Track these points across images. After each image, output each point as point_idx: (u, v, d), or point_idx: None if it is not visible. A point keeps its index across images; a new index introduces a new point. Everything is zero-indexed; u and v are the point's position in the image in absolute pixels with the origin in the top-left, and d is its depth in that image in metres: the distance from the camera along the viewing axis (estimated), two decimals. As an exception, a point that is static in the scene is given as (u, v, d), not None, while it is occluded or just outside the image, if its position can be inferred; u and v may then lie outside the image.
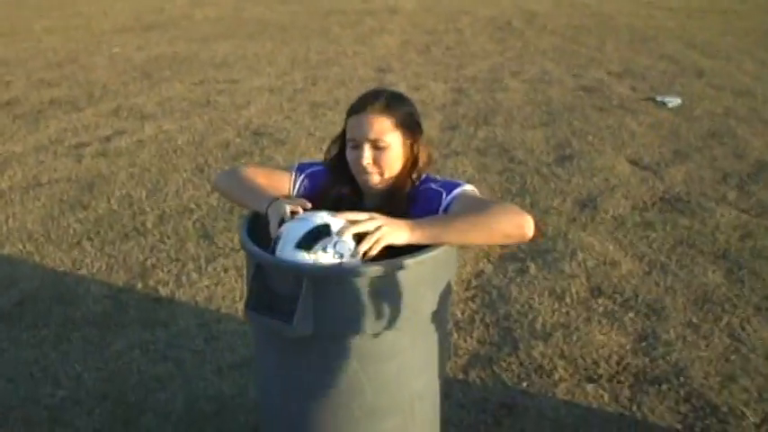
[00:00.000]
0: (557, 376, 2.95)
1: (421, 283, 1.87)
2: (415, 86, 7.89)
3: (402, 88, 7.73)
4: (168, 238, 4.22)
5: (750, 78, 8.48)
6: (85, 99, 7.37)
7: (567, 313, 3.43)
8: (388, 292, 1.81)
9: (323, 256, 1.75)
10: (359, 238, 1.76)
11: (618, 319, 3.38)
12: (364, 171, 2.01)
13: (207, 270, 3.83)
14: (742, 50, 10.22)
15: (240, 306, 3.47)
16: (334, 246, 1.76)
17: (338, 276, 1.78)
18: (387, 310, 1.83)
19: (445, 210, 1.97)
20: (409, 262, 1.79)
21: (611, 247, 4.10)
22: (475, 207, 1.91)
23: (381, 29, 11.82)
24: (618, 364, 3.05)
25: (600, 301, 3.54)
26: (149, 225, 4.39)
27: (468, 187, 2.03)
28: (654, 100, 7.37)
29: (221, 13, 13.35)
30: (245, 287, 1.97)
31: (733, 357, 3.11)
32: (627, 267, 3.87)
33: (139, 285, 3.68)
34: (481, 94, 7.56)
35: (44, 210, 4.66)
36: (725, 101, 7.40)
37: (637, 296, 3.59)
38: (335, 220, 1.79)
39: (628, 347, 3.17)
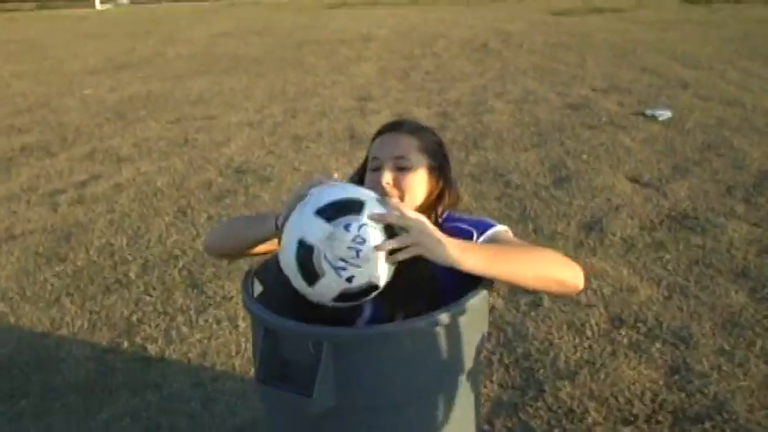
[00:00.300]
0: (590, 420, 2.70)
1: (459, 339, 1.63)
2: (399, 113, 7.68)
3: (385, 116, 7.52)
4: (154, 288, 3.94)
5: (736, 88, 8.34)
6: (58, 143, 7.09)
7: (590, 348, 3.18)
8: (422, 354, 1.56)
9: (341, 235, 1.48)
10: (391, 233, 1.52)
11: (645, 351, 3.14)
12: (383, 193, 1.77)
13: (198, 323, 3.55)
14: (723, 60, 10.11)
15: (237, 361, 3.20)
16: (359, 228, 1.49)
17: (365, 340, 1.53)
18: (420, 375, 1.58)
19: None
20: (449, 315, 1.54)
21: (625, 272, 3.87)
22: (511, 251, 1.68)
23: (357, 57, 11.63)
24: (653, 401, 2.81)
25: (623, 331, 3.30)
26: (132, 276, 4.11)
27: (502, 228, 1.80)
28: (643, 114, 7.20)
29: (194, 49, 13.12)
30: (254, 355, 1.71)
31: (775, 386, 2.88)
32: (645, 293, 3.64)
33: (125, 344, 3.40)
34: (467, 118, 7.35)
35: (18, 264, 4.37)
36: (715, 111, 7.24)
37: (661, 324, 3.35)
38: (373, 202, 1.55)
39: (661, 382, 2.92)
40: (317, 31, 14.92)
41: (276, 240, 1.73)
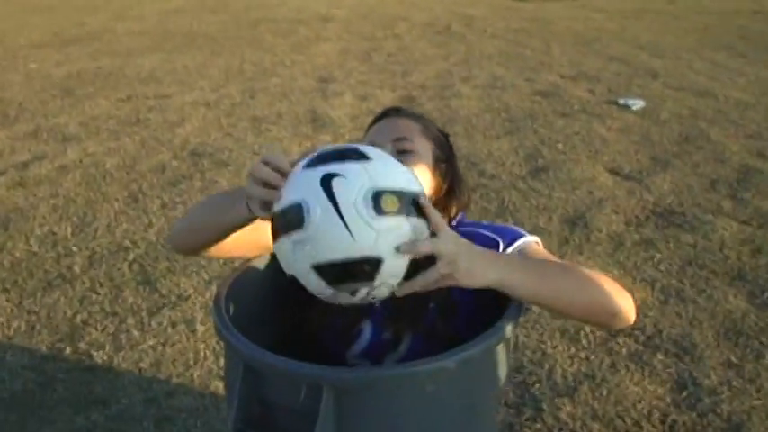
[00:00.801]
0: (596, 445, 2.42)
1: (485, 380, 1.31)
2: (362, 95, 7.34)
3: (348, 98, 7.19)
4: (101, 285, 3.55)
5: (705, 78, 8.18)
6: (-1, 121, 6.61)
7: (588, 359, 2.90)
8: (440, 399, 1.24)
9: (344, 297, 1.17)
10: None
11: (647, 363, 2.87)
12: None
13: (150, 325, 3.18)
14: (688, 50, 9.97)
15: (196, 372, 2.84)
16: (368, 293, 1.17)
17: (374, 384, 1.20)
18: (438, 426, 1.26)
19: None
20: (473, 354, 1.22)
21: (615, 272, 3.60)
22: (557, 269, 1.36)
23: (317, 37, 11.23)
24: (662, 422, 2.53)
25: (620, 340, 3.03)
26: (77, 270, 3.71)
27: (533, 238, 1.49)
28: (616, 103, 6.96)
29: (146, 25, 12.57)
30: (228, 396, 1.37)
31: (791, 405, 2.63)
32: (640, 296, 3.37)
33: (68, 350, 3.02)
34: (434, 102, 7.04)
35: (-50, 254, 3.95)
36: (688, 102, 7.04)
37: (660, 332, 3.09)
38: (391, 251, 1.14)
39: (668, 400, 2.65)
40: (274, 10, 14.44)
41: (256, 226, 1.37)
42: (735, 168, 5.14)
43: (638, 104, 6.86)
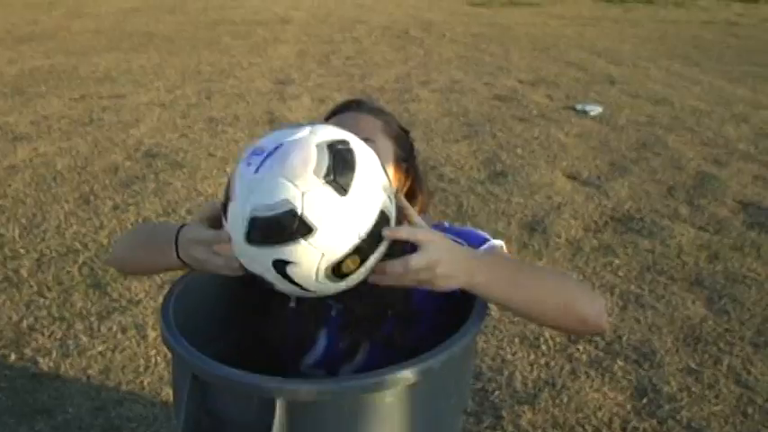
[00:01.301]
0: (556, 454, 2.38)
1: (446, 390, 1.26)
2: (320, 98, 7.26)
3: (306, 101, 7.12)
4: (49, 289, 3.44)
5: (661, 86, 8.26)
6: (-55, 119, 6.42)
7: (548, 365, 2.86)
8: (400, 411, 1.18)
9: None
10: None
11: (607, 370, 2.84)
12: None
13: (99, 331, 3.08)
14: (644, 58, 10.08)
15: (146, 380, 2.75)
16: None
17: (330, 397, 1.14)
18: (401, 435, 1.20)
19: None
20: (432, 364, 1.17)
21: (574, 278, 3.57)
22: (529, 271, 1.32)
23: (275, 39, 11.13)
24: (623, 429, 2.51)
25: (580, 347, 3.00)
26: (24, 273, 3.59)
27: (498, 242, 1.44)
28: (574, 108, 6.98)
29: (101, 24, 12.36)
30: (175, 407, 1.29)
31: (750, 411, 2.63)
32: (599, 302, 3.34)
33: (13, 357, 2.90)
34: (392, 106, 6.98)
35: None
36: (645, 109, 7.09)
37: (620, 338, 3.07)
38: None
39: (628, 407, 2.63)
40: (232, 12, 14.31)
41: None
42: (691, 175, 5.17)
43: (595, 110, 6.89)
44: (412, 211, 1.20)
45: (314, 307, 1.47)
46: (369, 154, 1.17)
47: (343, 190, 1.07)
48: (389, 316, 1.43)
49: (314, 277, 1.10)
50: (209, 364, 1.14)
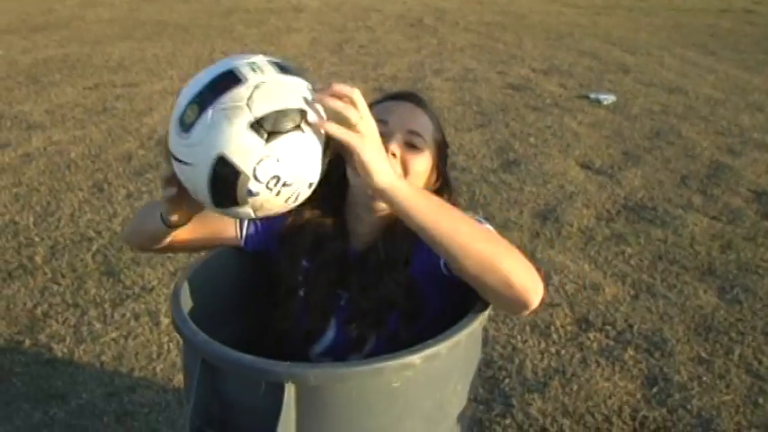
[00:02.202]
0: (566, 442, 2.39)
1: (452, 376, 1.27)
2: (333, 87, 7.24)
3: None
4: (63, 276, 3.47)
5: (675, 75, 8.19)
6: (-39, 108, 6.46)
7: (558, 354, 2.87)
8: (406, 395, 1.20)
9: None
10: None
11: (618, 359, 2.85)
12: None
13: (113, 318, 3.10)
14: (659, 46, 9.99)
15: (159, 366, 2.77)
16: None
17: (338, 381, 1.15)
18: (406, 423, 1.22)
19: None
20: (439, 350, 1.18)
21: (586, 267, 3.58)
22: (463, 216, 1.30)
23: (288, 27, 11.13)
24: (633, 418, 2.51)
25: (591, 335, 3.00)
26: (39, 260, 3.62)
27: (485, 226, 1.43)
28: (587, 97, 6.95)
29: (115, 13, 12.39)
30: (185, 393, 1.31)
31: (761, 401, 2.63)
32: (611, 291, 3.35)
33: (27, 343, 2.93)
34: (406, 95, 6.98)
35: None
36: (659, 98, 7.05)
37: (631, 327, 3.07)
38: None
39: (638, 396, 2.63)
40: (246, 0, 14.30)
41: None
42: (705, 164, 5.14)
43: (609, 99, 6.86)
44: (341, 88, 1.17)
45: (323, 297, 1.48)
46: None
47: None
48: (394, 312, 1.44)
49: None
50: (218, 349, 1.15)
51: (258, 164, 1.07)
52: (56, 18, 11.83)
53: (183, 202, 1.28)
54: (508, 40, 10.17)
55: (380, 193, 1.17)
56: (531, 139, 5.57)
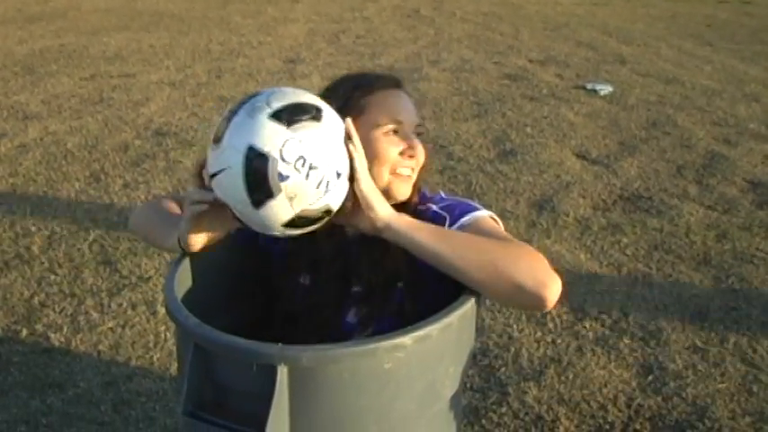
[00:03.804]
0: (561, 429, 2.40)
1: (444, 358, 1.28)
2: (330, 77, 7.08)
3: (316, 79, 7.11)
4: (60, 266, 3.47)
5: (672, 65, 8.20)
6: (-43, 98, 6.45)
7: (554, 342, 2.88)
8: (398, 376, 1.21)
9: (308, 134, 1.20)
10: None
11: (613, 347, 2.86)
12: (405, 168, 1.44)
13: (110, 307, 3.11)
14: (656, 37, 10.00)
15: (156, 355, 2.78)
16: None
17: (330, 363, 1.15)
18: (398, 404, 1.22)
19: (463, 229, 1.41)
20: (430, 331, 1.19)
21: (582, 257, 3.59)
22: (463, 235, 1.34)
23: (284, 18, 11.11)
24: (628, 406, 2.52)
25: (587, 324, 3.01)
26: (36, 250, 3.63)
27: (484, 213, 1.43)
28: (584, 87, 6.95)
29: (112, 3, 12.36)
30: (178, 378, 1.31)
31: (755, 389, 2.64)
32: (607, 281, 3.36)
33: (24, 332, 2.94)
34: (402, 85, 6.97)
35: None
36: (655, 88, 7.05)
37: (626, 316, 3.08)
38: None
39: (634, 384, 2.64)
40: (242, -10, 14.27)
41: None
42: (701, 154, 5.15)
43: (605, 90, 6.86)
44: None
45: (333, 283, 1.48)
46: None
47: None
48: (399, 287, 1.45)
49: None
50: (210, 332, 1.16)
51: (283, 146, 1.16)
52: (52, 8, 11.81)
53: (203, 224, 1.34)
54: (505, 31, 10.17)
55: (384, 228, 1.29)
56: (528, 129, 5.58)
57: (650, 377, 2.68)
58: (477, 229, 1.39)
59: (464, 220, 1.41)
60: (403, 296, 1.46)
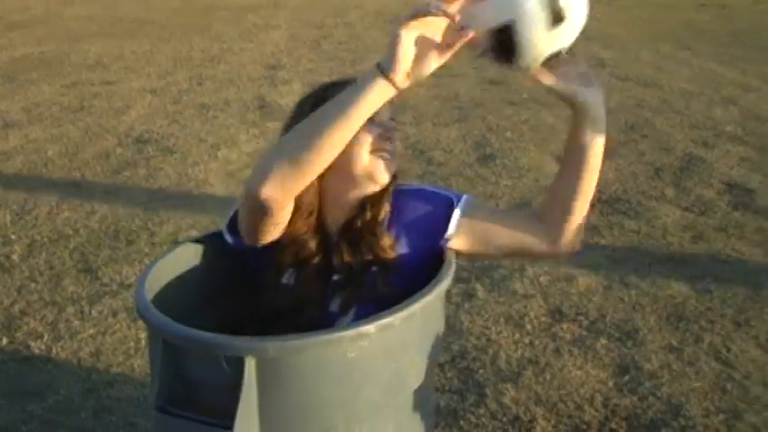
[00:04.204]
0: (538, 429, 2.43)
1: (408, 347, 1.32)
2: (310, 83, 7.18)
3: (297, 86, 7.13)
4: (40, 274, 3.48)
5: (651, 69, 8.27)
6: (-63, 107, 6.44)
7: (532, 344, 2.92)
8: (363, 365, 1.24)
9: None
10: None
11: (590, 348, 2.90)
12: (384, 152, 1.53)
13: (90, 314, 3.12)
14: (635, 41, 10.08)
15: (137, 362, 2.80)
16: None
17: (295, 353, 1.18)
18: (364, 393, 1.25)
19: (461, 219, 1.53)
20: (392, 321, 1.22)
21: (560, 259, 3.62)
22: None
23: (266, 24, 11.13)
24: (605, 406, 2.56)
25: (564, 326, 3.05)
26: (16, 258, 3.64)
27: (468, 196, 1.59)
28: (564, 92, 6.99)
29: (93, 10, 12.36)
30: (151, 374, 1.34)
31: (729, 386, 2.68)
32: (584, 282, 3.40)
33: (4, 341, 2.95)
34: (383, 91, 7.01)
35: None
36: (634, 92, 7.12)
37: (604, 317, 3.12)
38: None
39: (610, 384, 2.68)
40: (224, -3, 14.30)
41: None
42: (678, 157, 5.21)
43: (585, 93, 6.90)
44: None
45: (316, 277, 1.52)
46: None
47: None
48: (373, 271, 1.49)
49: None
50: (178, 328, 1.19)
51: None
52: (33, 16, 11.79)
53: (420, 50, 1.33)
54: (486, 35, 10.21)
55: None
56: (508, 134, 5.62)
57: (626, 377, 2.72)
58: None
59: (465, 198, 1.57)
60: (376, 277, 1.50)
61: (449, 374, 2.70)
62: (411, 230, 1.54)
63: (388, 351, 1.28)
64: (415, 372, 1.37)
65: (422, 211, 1.56)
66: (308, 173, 1.35)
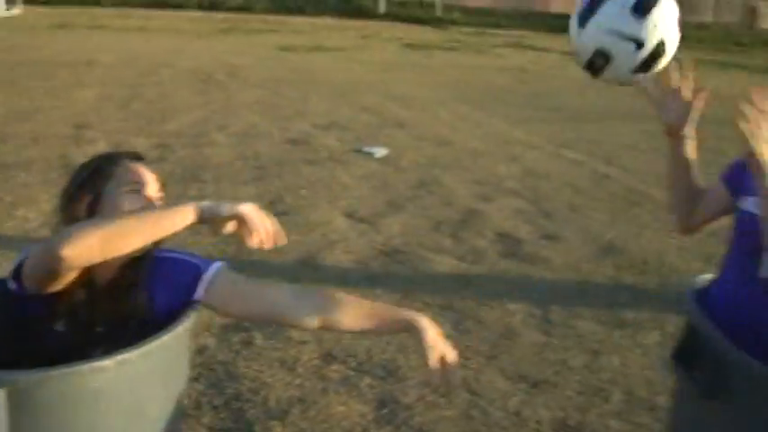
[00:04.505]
0: (298, 461, 2.68)
1: (148, 381, 1.54)
2: (116, 143, 7.34)
3: (102, 145, 7.17)
4: None
5: (447, 128, 8.89)
6: None
7: (301, 385, 3.18)
8: (104, 396, 1.45)
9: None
10: None
11: (355, 386, 3.19)
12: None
13: None
14: (436, 102, 10.75)
15: None
16: None
17: (42, 384, 1.38)
18: (108, 421, 1.47)
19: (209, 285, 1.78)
20: (130, 357, 1.45)
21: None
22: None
23: (78, 82, 11.02)
24: (362, 436, 2.84)
25: (334, 367, 3.33)
26: None
27: (219, 264, 1.85)
28: (361, 151, 7.43)
29: None
30: None
31: (474, 413, 3.04)
32: (357, 327, 3.70)
33: None
34: (187, 150, 7.19)
35: None
36: (428, 151, 7.64)
37: (371, 358, 3.43)
38: None
39: (370, 417, 2.97)
40: (36, 52, 13.98)
41: None
42: (459, 210, 5.69)
43: (380, 152, 7.36)
44: None
45: (83, 327, 1.72)
46: None
47: None
48: (131, 324, 1.71)
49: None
50: None
51: None
52: None
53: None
54: (294, 96, 10.59)
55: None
56: (303, 192, 5.93)
57: (385, 410, 3.02)
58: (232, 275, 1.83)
59: (212, 270, 1.81)
60: (134, 333, 1.71)
61: (222, 415, 2.91)
62: (165, 291, 1.76)
63: (129, 383, 1.49)
64: (157, 404, 1.59)
65: (176, 275, 1.78)
66: (111, 255, 1.58)
